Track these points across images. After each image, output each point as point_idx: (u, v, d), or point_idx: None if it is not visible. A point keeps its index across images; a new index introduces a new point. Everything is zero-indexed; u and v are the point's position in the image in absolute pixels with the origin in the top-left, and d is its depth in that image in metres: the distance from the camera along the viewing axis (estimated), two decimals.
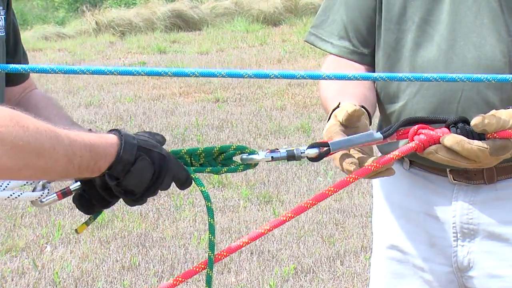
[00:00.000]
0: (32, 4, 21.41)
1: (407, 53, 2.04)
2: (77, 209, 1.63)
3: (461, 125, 1.71)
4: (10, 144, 1.33)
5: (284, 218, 1.58)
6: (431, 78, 1.53)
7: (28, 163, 1.37)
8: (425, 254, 2.15)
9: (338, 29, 2.13)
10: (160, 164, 1.54)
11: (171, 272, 4.70)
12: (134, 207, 5.53)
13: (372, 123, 1.92)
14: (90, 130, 1.77)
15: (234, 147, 1.67)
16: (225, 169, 1.67)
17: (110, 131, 1.55)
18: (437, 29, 2.01)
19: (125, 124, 8.19)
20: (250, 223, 5.44)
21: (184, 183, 1.61)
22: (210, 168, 1.66)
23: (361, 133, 1.69)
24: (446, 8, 2.00)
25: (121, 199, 1.61)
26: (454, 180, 2.09)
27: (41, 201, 1.62)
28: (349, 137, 1.69)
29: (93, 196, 1.60)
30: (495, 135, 1.70)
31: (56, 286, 4.57)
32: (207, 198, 1.62)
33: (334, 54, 2.15)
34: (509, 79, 1.54)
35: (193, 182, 1.63)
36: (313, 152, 1.66)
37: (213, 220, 1.62)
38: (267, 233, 1.57)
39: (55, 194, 1.62)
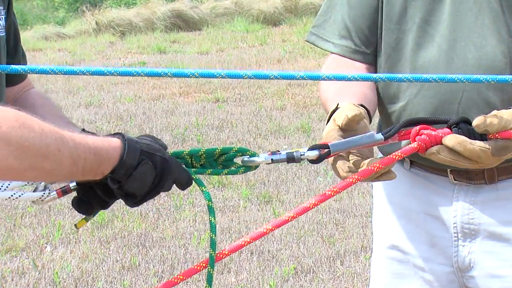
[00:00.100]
0: (32, 4, 21.42)
1: (408, 53, 2.04)
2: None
3: (463, 125, 1.71)
4: (15, 144, 1.33)
5: (286, 218, 1.58)
6: (430, 78, 1.53)
7: (33, 164, 1.37)
8: (425, 254, 2.15)
9: (340, 29, 2.13)
10: (162, 168, 1.55)
11: (171, 272, 4.70)
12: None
13: (372, 123, 1.91)
14: (86, 131, 1.78)
15: (236, 149, 1.67)
16: (226, 171, 1.67)
17: (114, 134, 1.56)
18: (437, 30, 2.01)
19: (125, 124, 8.19)
20: (250, 223, 5.44)
21: (185, 185, 1.61)
22: (211, 170, 1.66)
23: (362, 135, 1.68)
24: (447, 9, 2.00)
25: (121, 199, 1.62)
26: (455, 180, 2.09)
27: (41, 200, 1.62)
28: (349, 138, 1.68)
29: (92, 198, 1.60)
30: (497, 135, 1.70)
31: (56, 286, 4.57)
32: (208, 198, 1.62)
33: (336, 54, 2.14)
34: (509, 80, 1.54)
35: (193, 182, 1.63)
36: (313, 154, 1.66)
37: (214, 219, 1.62)
38: (269, 232, 1.57)
39: (55, 192, 1.63)
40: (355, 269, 4.69)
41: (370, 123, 1.85)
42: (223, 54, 12.47)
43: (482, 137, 1.71)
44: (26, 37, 13.81)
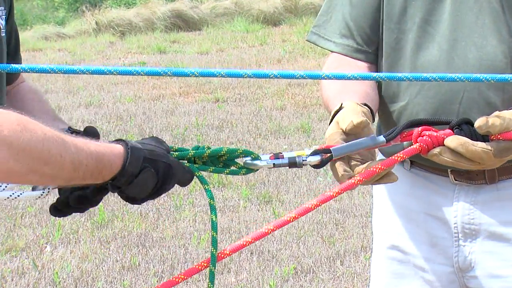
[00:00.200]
0: (32, 4, 21.41)
1: (408, 53, 2.04)
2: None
3: (465, 126, 1.71)
4: (17, 148, 1.33)
5: (288, 219, 1.58)
6: (430, 77, 1.53)
7: (35, 168, 1.37)
8: (426, 254, 2.15)
9: (341, 28, 2.12)
10: (164, 173, 1.55)
11: (171, 272, 4.70)
12: (134, 207, 5.53)
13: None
14: (80, 131, 1.78)
15: (241, 150, 1.66)
16: (228, 171, 1.67)
17: (117, 141, 1.56)
18: (438, 29, 2.01)
19: (125, 124, 8.19)
20: (250, 223, 5.43)
21: (187, 184, 1.62)
22: (213, 168, 1.66)
23: (364, 138, 1.68)
24: (447, 8, 2.00)
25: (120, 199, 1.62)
26: (455, 180, 2.08)
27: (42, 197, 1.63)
28: (351, 142, 1.67)
29: (89, 202, 1.61)
30: (499, 136, 1.70)
31: (56, 286, 4.57)
32: (210, 196, 1.62)
33: (337, 53, 2.14)
34: (509, 79, 1.54)
35: (193, 179, 1.63)
36: (315, 159, 1.65)
37: (216, 217, 1.62)
38: (270, 233, 1.57)
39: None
40: (355, 269, 4.69)
41: (373, 121, 1.85)
42: (223, 54, 12.47)
43: (484, 138, 1.70)
44: (26, 37, 13.81)
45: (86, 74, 1.41)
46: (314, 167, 1.67)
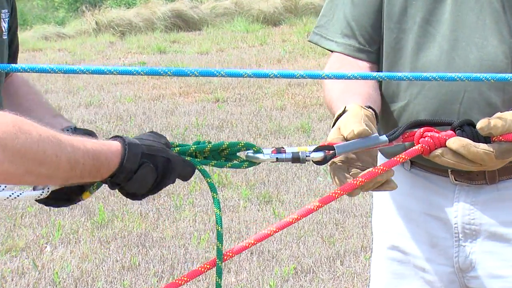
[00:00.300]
0: (32, 4, 21.41)
1: (408, 53, 2.03)
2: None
3: (466, 128, 1.71)
4: (12, 150, 1.33)
5: (290, 220, 1.58)
6: (430, 77, 1.53)
7: (30, 169, 1.37)
8: (426, 255, 2.15)
9: (342, 27, 2.12)
10: (164, 168, 1.55)
11: (171, 272, 4.70)
12: (134, 207, 5.53)
13: None
14: (83, 130, 1.78)
15: (242, 144, 1.66)
16: (230, 164, 1.66)
17: (115, 137, 1.55)
18: (439, 30, 2.00)
19: (125, 124, 8.19)
20: (250, 223, 5.43)
21: (188, 178, 1.62)
22: (215, 162, 1.65)
23: (367, 137, 1.68)
24: (448, 9, 1.99)
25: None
26: (456, 180, 2.08)
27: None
28: (355, 140, 1.67)
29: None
30: (500, 138, 1.69)
31: (56, 286, 4.57)
32: (213, 189, 1.62)
33: (339, 52, 2.13)
34: (509, 78, 1.53)
35: (195, 173, 1.63)
36: (319, 155, 1.65)
37: (220, 211, 1.61)
38: (273, 234, 1.57)
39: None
40: (355, 269, 4.69)
41: (377, 122, 1.84)
42: (223, 54, 12.47)
43: (486, 139, 1.70)
44: (26, 37, 13.82)
45: (86, 74, 1.41)
46: (316, 164, 1.67)
